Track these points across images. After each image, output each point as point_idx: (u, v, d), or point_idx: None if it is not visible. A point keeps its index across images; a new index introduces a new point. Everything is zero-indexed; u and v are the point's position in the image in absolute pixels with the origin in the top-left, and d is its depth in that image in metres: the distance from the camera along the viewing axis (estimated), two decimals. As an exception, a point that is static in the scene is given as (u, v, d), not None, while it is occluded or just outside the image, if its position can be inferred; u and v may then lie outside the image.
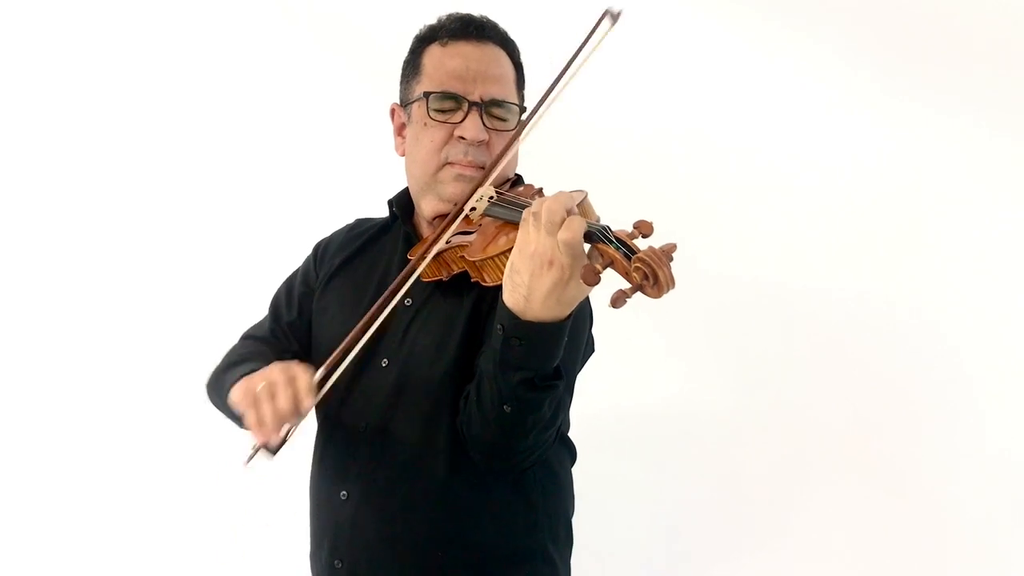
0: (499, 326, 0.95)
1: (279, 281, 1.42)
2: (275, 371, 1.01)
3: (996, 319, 1.78)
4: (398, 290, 1.07)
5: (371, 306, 1.19)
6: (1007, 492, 1.76)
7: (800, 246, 1.89)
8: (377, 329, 1.16)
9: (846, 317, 1.85)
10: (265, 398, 0.98)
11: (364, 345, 1.08)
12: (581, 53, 1.09)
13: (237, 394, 1.06)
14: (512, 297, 0.93)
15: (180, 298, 2.18)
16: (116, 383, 2.18)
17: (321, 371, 1.03)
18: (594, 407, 1.09)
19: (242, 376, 1.11)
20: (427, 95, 1.17)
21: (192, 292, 2.18)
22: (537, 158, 1.18)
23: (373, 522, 1.17)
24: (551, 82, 1.09)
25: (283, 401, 0.97)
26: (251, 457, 0.99)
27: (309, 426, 1.29)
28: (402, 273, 1.11)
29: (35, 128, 2.23)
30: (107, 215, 2.22)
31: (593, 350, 1.19)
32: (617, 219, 0.97)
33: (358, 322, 1.20)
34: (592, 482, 1.38)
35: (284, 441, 0.99)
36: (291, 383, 0.98)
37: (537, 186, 1.24)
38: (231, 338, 1.40)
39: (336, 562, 1.20)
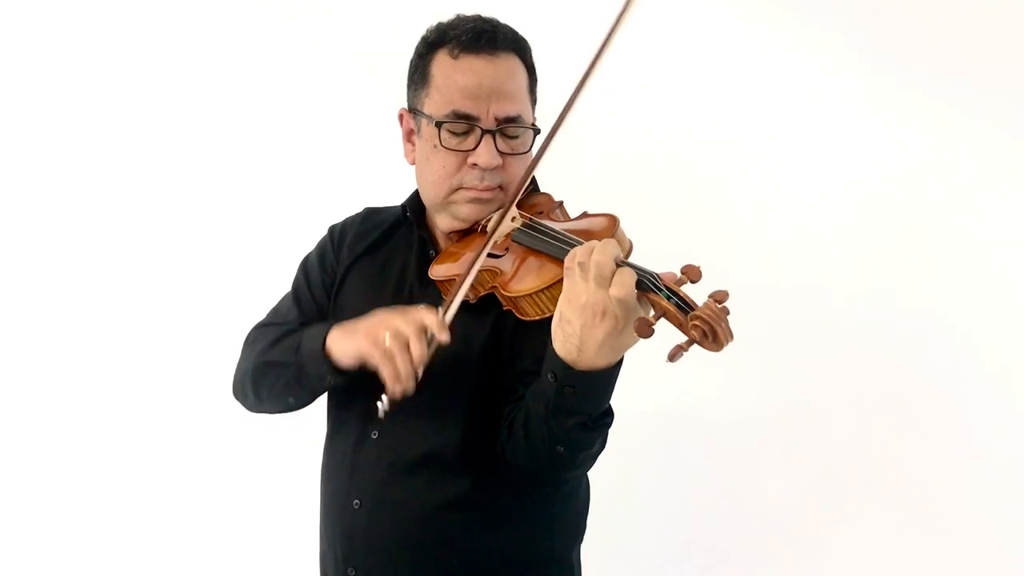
0: (551, 375, 0.95)
1: (276, 279, 1.38)
2: (397, 318, 1.01)
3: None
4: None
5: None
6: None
7: (822, 248, 1.89)
8: None
9: (870, 320, 1.85)
10: (399, 350, 0.99)
11: None
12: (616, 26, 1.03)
13: (353, 341, 1.05)
14: (564, 347, 0.93)
15: (182, 296, 2.18)
16: (118, 380, 2.18)
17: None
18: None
19: (328, 327, 1.11)
20: (439, 125, 1.11)
21: (193, 291, 2.17)
22: (553, 164, 1.16)
23: (388, 531, 1.17)
24: (589, 61, 1.04)
25: (417, 351, 0.98)
26: (388, 411, 1.00)
27: (316, 432, 1.29)
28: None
29: (45, 126, 2.21)
30: (107, 215, 2.22)
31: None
32: (636, 226, 0.96)
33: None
34: (607, 485, 1.37)
35: (417, 387, 1.00)
36: (423, 332, 0.99)
37: (557, 198, 1.21)
38: (231, 337, 1.37)
39: (350, 570, 1.20)
